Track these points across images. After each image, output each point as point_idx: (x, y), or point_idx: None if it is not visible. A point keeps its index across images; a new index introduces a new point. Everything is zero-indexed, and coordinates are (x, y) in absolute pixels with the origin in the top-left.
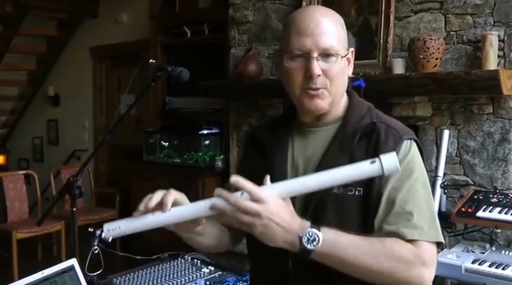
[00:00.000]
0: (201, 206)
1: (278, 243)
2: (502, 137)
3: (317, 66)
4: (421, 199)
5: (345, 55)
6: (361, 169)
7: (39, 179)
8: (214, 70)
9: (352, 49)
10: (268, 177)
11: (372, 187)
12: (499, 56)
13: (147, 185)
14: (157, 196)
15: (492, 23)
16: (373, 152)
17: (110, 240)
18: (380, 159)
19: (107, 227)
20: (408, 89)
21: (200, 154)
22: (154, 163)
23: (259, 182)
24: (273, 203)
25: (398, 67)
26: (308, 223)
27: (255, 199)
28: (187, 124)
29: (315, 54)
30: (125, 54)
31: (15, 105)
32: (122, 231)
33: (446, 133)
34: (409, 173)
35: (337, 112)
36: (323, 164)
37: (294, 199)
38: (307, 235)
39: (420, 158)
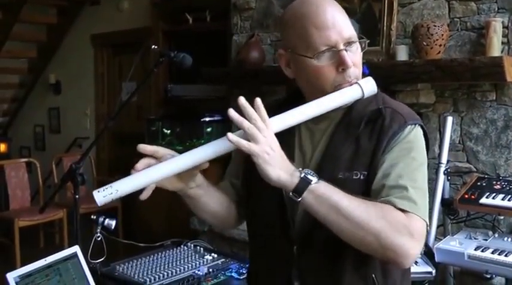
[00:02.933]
0: (217, 142)
1: (278, 172)
2: (505, 124)
3: (348, 57)
4: (417, 177)
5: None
6: (342, 93)
7: (41, 168)
8: (216, 58)
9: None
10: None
11: (375, 169)
12: (502, 43)
13: None
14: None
15: (496, 9)
16: (377, 137)
17: (113, 227)
18: (357, 82)
19: (99, 193)
20: (411, 76)
21: (202, 141)
22: None
23: None
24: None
25: (402, 54)
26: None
27: (263, 119)
28: (190, 111)
29: (342, 46)
30: (126, 41)
31: (16, 93)
32: (119, 192)
33: (449, 120)
34: (407, 152)
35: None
36: (329, 151)
37: None
38: (306, 171)
39: (423, 142)
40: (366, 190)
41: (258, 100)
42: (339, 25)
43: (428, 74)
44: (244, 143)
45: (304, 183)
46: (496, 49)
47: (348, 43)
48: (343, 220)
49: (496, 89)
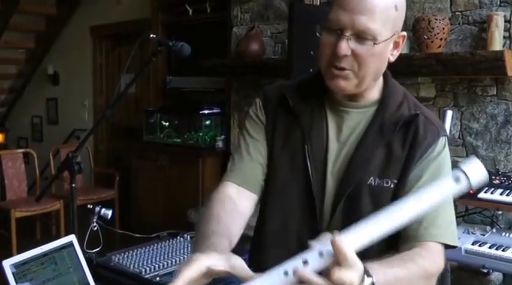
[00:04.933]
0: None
1: None
2: (506, 119)
3: (345, 46)
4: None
5: (387, 39)
6: (447, 190)
7: (38, 159)
8: (216, 50)
9: (403, 33)
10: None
11: (406, 178)
12: (504, 37)
13: (147, 165)
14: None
15: (498, 3)
16: (410, 145)
17: (109, 216)
18: (465, 173)
19: None
20: (412, 69)
21: (201, 134)
22: (155, 143)
23: (297, 150)
24: (356, 277)
25: (402, 47)
26: (362, 268)
27: (350, 269)
28: (188, 103)
29: (348, 33)
30: (126, 33)
31: (14, 84)
32: None
33: (449, 113)
34: (441, 169)
35: (373, 96)
36: (359, 153)
37: (323, 190)
38: None
39: (449, 154)
40: (394, 197)
41: (337, 242)
42: (358, 12)
43: (429, 68)
44: None
45: None
46: (497, 43)
47: (359, 35)
48: None
49: (496, 84)
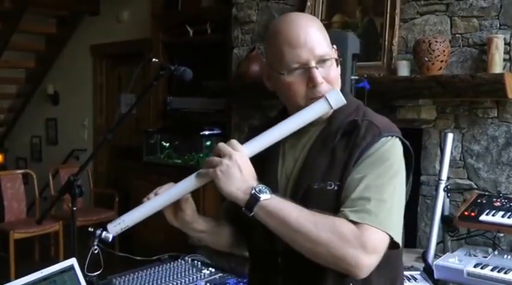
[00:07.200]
0: (188, 179)
1: (231, 188)
2: (507, 141)
3: (319, 75)
4: (387, 189)
5: (333, 53)
6: (311, 109)
7: (38, 179)
8: (216, 70)
9: (334, 46)
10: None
11: (347, 178)
12: (504, 59)
13: (147, 185)
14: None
15: (498, 26)
16: (351, 148)
17: (110, 239)
18: (324, 95)
19: (110, 225)
20: (413, 92)
21: (201, 155)
22: (155, 164)
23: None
24: (243, 155)
25: (403, 69)
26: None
27: (231, 145)
28: (189, 124)
29: (313, 64)
30: (126, 52)
31: (13, 103)
32: (125, 223)
33: (450, 136)
34: (380, 162)
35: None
36: (306, 163)
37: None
38: (260, 187)
39: (398, 154)
40: (338, 200)
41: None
42: (311, 43)
43: (429, 90)
44: (203, 172)
45: (253, 200)
46: (497, 66)
47: (321, 60)
48: (292, 233)
49: (497, 106)
